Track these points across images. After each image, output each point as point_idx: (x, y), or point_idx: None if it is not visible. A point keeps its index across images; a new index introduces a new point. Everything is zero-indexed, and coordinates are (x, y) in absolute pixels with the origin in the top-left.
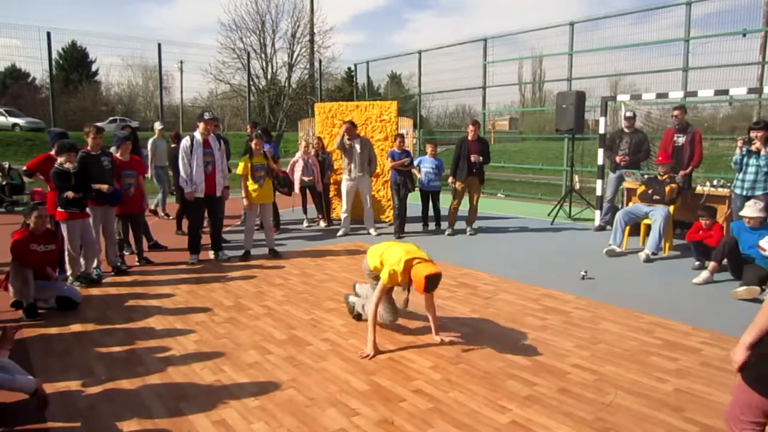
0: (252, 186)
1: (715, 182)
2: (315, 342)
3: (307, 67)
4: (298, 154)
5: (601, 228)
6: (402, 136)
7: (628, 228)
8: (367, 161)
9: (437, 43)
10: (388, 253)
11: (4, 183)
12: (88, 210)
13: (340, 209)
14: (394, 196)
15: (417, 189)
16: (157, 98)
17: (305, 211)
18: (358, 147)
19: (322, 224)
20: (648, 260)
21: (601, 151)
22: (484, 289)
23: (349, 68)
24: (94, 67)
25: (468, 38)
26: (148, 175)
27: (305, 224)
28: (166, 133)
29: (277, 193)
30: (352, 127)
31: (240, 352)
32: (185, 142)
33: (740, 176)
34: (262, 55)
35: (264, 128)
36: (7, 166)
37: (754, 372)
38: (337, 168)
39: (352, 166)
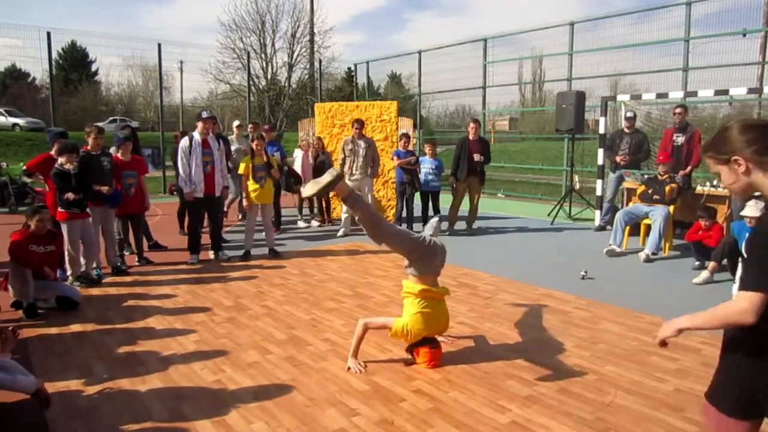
0: (253, 186)
1: (715, 182)
2: (315, 342)
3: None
4: (300, 153)
5: (601, 228)
6: (408, 136)
7: (628, 228)
8: (370, 162)
9: (437, 43)
10: (412, 314)
11: (10, 183)
12: (88, 210)
13: (341, 209)
14: (398, 197)
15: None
16: (157, 98)
17: (300, 211)
18: (362, 147)
19: (314, 224)
20: (648, 260)
21: (601, 151)
22: (484, 289)
23: (349, 68)
24: (94, 67)
25: (468, 38)
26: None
27: (303, 224)
28: (243, 132)
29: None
30: (360, 125)
31: (240, 352)
32: (184, 142)
33: None
34: (262, 55)
35: (272, 125)
36: (5, 165)
37: (720, 394)
38: None
39: (355, 166)
